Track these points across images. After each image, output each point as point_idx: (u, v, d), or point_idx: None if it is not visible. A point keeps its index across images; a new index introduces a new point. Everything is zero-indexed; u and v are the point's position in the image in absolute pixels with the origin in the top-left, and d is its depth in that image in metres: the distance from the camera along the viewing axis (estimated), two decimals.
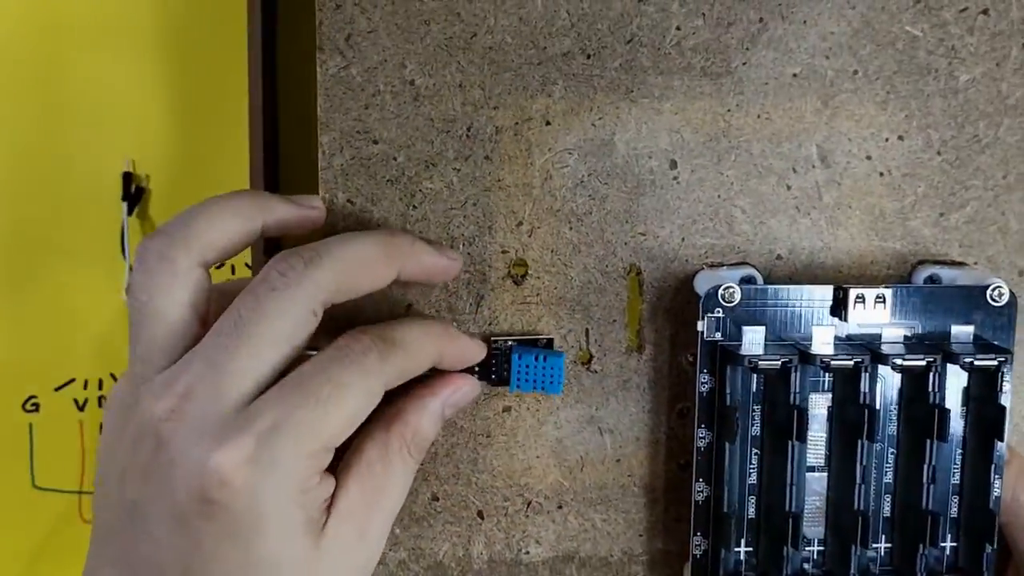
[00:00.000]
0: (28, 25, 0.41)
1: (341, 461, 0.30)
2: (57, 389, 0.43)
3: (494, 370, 0.33)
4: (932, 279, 0.34)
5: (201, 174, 0.42)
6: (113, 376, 0.44)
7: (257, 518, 0.27)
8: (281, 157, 0.43)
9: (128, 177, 0.41)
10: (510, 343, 0.33)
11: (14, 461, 0.44)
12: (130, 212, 0.41)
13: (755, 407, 0.32)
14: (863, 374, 0.32)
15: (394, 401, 0.31)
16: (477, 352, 0.32)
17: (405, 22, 0.32)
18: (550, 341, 0.33)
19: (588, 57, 0.33)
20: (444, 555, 0.35)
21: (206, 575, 0.28)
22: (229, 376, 0.28)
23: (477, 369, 0.33)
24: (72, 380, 0.43)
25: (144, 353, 0.29)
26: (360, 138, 0.32)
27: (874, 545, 0.33)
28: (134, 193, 0.41)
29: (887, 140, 0.34)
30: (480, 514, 0.35)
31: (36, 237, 0.41)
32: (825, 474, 0.33)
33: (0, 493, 0.44)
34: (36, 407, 0.43)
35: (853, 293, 0.32)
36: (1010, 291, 0.33)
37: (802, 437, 0.32)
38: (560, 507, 0.35)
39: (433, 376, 0.32)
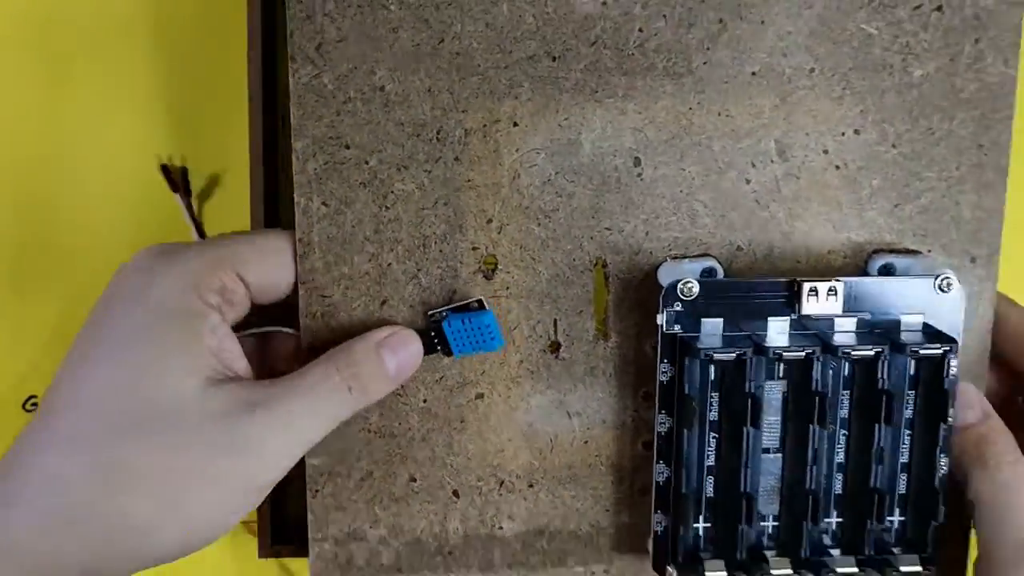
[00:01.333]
0: (26, 25, 0.42)
1: None
2: None
3: (437, 342, 0.35)
4: (887, 267, 0.36)
5: (202, 172, 0.43)
6: None
7: (155, 290, 0.31)
8: (279, 153, 0.44)
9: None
10: (444, 313, 0.35)
11: None
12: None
13: (712, 395, 0.34)
14: (815, 363, 0.33)
15: None
16: None
17: (374, 30, 0.33)
18: (480, 302, 0.35)
19: (553, 60, 0.34)
20: (422, 531, 0.37)
21: (104, 334, 0.31)
22: None
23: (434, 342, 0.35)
24: None
25: None
26: (333, 143, 0.34)
27: (826, 520, 0.36)
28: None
29: (843, 134, 0.35)
30: (455, 493, 0.37)
31: (37, 235, 0.42)
32: (780, 455, 0.35)
33: None
34: (37, 407, 0.45)
35: (807, 286, 0.33)
36: (957, 280, 0.34)
37: (756, 424, 0.34)
38: (531, 485, 0.37)
39: None
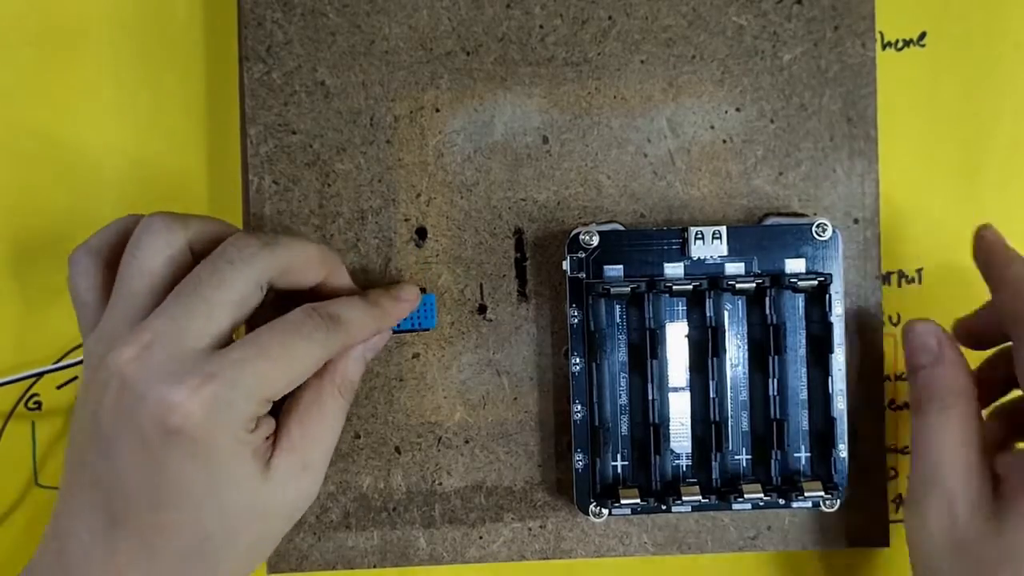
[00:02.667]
0: (28, 26, 0.43)
1: (283, 405, 0.36)
2: (59, 387, 0.44)
3: None
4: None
5: (197, 177, 0.43)
6: None
7: (210, 445, 0.33)
8: None
9: None
10: None
11: (17, 459, 0.45)
12: None
13: (620, 335, 0.38)
14: (707, 300, 0.37)
15: None
16: (409, 309, 0.38)
17: (315, 34, 0.39)
18: (423, 290, 0.39)
19: (468, 54, 0.40)
20: (367, 487, 0.40)
21: (171, 492, 0.33)
22: (187, 331, 0.33)
23: None
24: (75, 378, 0.44)
25: (122, 309, 0.34)
26: (281, 130, 0.39)
27: (736, 457, 0.38)
28: None
29: (726, 112, 0.40)
30: (397, 449, 0.40)
31: (38, 234, 0.43)
32: (688, 394, 0.38)
33: (3, 491, 0.45)
34: (38, 405, 0.44)
35: (693, 231, 0.38)
36: (832, 226, 0.38)
37: (656, 355, 0.37)
38: (467, 442, 0.40)
39: None
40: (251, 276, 0.34)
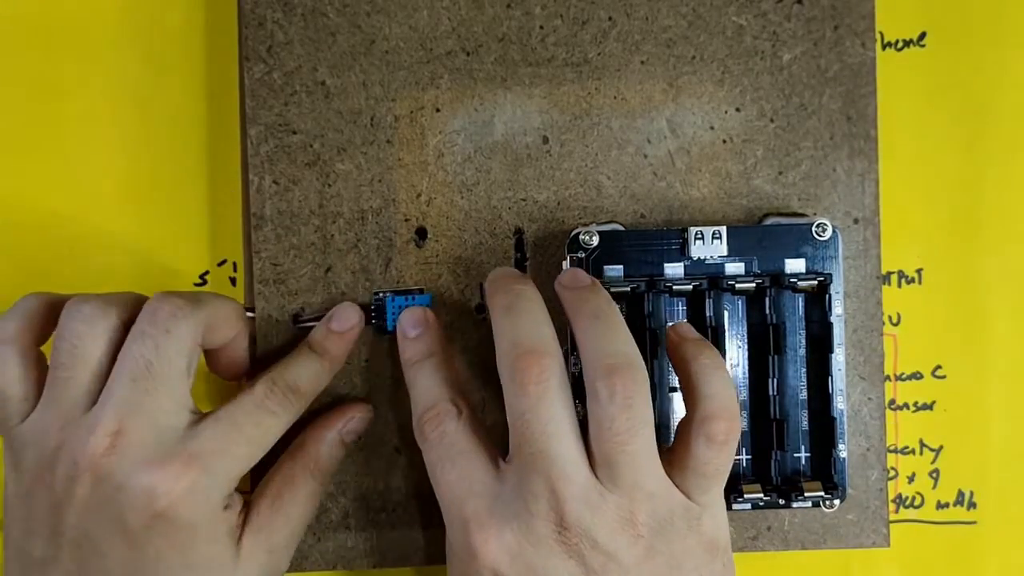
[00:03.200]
0: (26, 25, 0.43)
1: (257, 485, 0.37)
2: None
3: (375, 320, 0.39)
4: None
5: (197, 177, 0.43)
6: None
7: (192, 527, 0.34)
8: None
9: None
10: (387, 293, 0.39)
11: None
12: None
13: None
14: (707, 300, 0.37)
15: (300, 433, 0.38)
16: (352, 338, 0.39)
17: (315, 34, 0.39)
18: (420, 290, 0.39)
19: (468, 54, 0.40)
20: (367, 487, 0.40)
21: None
22: (156, 412, 0.34)
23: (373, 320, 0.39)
24: None
25: (69, 400, 0.34)
26: (282, 130, 0.39)
27: (735, 457, 0.38)
28: None
29: (726, 112, 0.40)
30: (397, 450, 0.40)
31: (36, 237, 0.43)
32: None
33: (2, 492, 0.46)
34: None
35: (693, 231, 0.38)
36: (832, 226, 0.38)
37: (656, 355, 0.37)
38: None
39: (332, 409, 0.39)
40: (191, 337, 0.35)
